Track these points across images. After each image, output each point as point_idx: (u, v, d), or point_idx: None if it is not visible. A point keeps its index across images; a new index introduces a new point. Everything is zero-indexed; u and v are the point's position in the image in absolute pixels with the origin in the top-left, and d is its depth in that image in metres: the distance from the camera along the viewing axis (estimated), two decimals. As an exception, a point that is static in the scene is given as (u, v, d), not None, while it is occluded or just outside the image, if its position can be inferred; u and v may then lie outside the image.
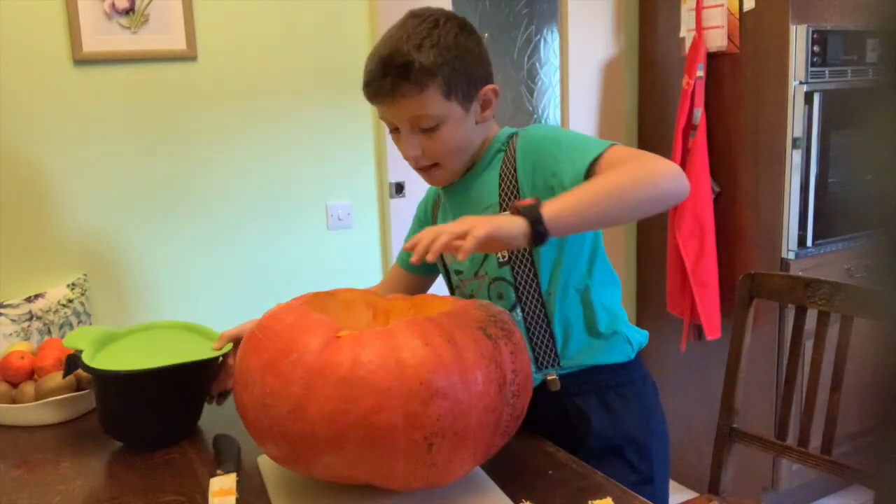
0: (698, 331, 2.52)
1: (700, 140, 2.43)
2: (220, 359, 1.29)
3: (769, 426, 2.26)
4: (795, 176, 2.32)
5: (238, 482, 1.03)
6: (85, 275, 2.16)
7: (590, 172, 1.08)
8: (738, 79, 2.41)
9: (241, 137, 2.33)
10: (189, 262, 2.31)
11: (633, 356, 1.25)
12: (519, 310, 1.22)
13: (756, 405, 2.39)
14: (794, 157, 2.31)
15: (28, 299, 2.01)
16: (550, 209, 0.98)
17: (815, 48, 2.26)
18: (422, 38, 1.14)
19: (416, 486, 0.96)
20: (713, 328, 2.46)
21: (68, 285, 2.10)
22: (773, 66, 2.30)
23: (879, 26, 0.33)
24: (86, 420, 1.34)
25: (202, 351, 1.26)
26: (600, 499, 0.97)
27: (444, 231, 0.94)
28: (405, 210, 2.73)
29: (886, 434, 0.34)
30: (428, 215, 1.41)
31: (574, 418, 1.22)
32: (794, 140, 2.29)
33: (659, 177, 1.03)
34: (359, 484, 0.98)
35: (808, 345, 1.46)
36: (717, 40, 2.42)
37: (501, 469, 1.07)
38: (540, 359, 1.22)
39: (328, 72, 2.41)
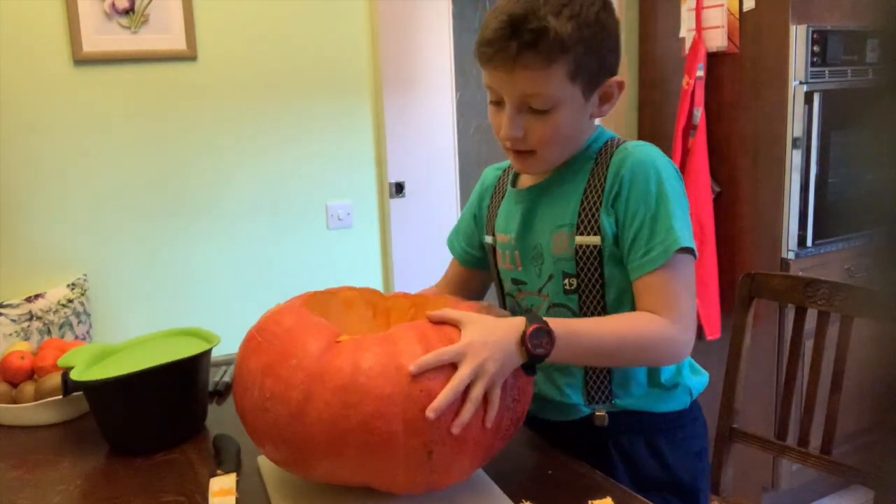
0: (698, 331, 2.52)
1: (700, 140, 2.43)
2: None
3: (769, 426, 2.26)
4: (795, 176, 2.32)
5: (238, 482, 1.03)
6: (85, 275, 2.16)
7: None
8: (738, 79, 2.41)
9: (240, 137, 2.33)
10: (189, 261, 2.31)
11: (688, 405, 1.17)
12: None
13: (756, 405, 2.39)
14: (794, 157, 2.30)
15: (28, 299, 2.01)
16: (555, 356, 0.95)
17: (815, 48, 2.26)
18: (562, 4, 0.99)
19: (417, 492, 0.96)
20: (713, 328, 2.47)
21: (68, 285, 2.10)
22: (773, 66, 2.30)
23: (879, 26, 0.33)
24: (86, 420, 1.34)
25: (191, 351, 1.25)
26: (600, 499, 0.97)
27: (467, 399, 0.89)
28: (405, 210, 2.73)
29: (886, 434, 0.34)
30: (483, 206, 1.27)
31: (618, 456, 1.14)
32: (794, 140, 2.29)
33: (665, 359, 1.09)
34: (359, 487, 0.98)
35: (808, 345, 1.46)
36: (716, 40, 2.42)
37: (501, 469, 1.07)
38: (591, 393, 1.13)
39: (328, 72, 2.41)
